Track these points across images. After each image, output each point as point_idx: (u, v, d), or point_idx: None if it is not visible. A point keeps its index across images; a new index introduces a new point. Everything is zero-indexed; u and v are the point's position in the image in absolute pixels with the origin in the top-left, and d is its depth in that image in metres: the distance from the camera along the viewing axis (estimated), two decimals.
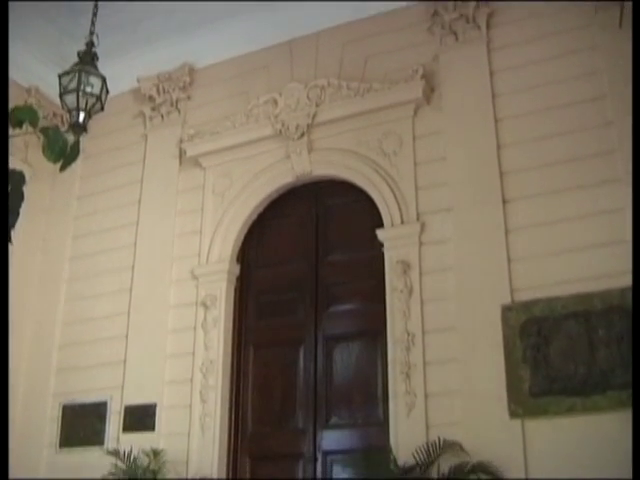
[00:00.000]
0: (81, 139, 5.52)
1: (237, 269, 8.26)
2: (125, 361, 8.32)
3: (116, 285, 8.72)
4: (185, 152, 8.78)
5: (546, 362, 6.43)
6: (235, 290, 8.23)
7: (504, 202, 7.01)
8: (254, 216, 8.37)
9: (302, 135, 8.10)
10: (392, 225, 7.45)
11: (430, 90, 7.70)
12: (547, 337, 6.48)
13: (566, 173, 6.85)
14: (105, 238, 9.03)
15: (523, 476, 6.25)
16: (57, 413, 8.56)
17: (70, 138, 4.65)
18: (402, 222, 7.40)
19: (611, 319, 6.31)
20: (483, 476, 6.19)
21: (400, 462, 6.41)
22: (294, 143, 8.12)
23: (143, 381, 8.12)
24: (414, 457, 6.38)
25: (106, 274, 8.85)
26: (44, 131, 4.26)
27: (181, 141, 8.88)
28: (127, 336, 8.41)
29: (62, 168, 4.56)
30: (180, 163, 8.87)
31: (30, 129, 4.21)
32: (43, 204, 9.34)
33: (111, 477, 7.30)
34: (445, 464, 6.32)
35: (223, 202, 8.43)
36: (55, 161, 4.37)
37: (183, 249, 8.49)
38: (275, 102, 8.39)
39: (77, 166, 8.70)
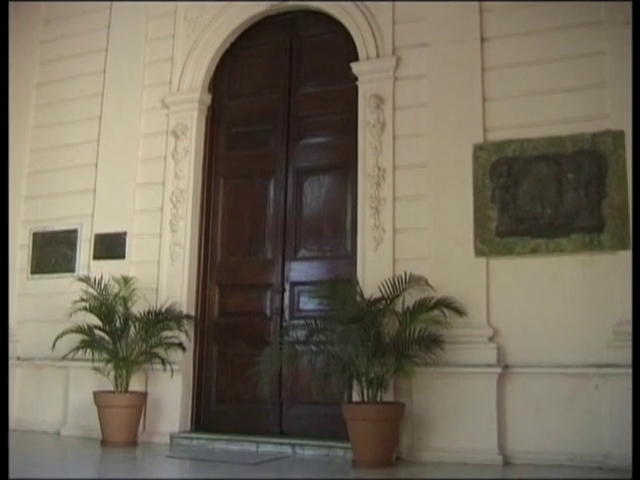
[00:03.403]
0: None
1: (209, 98, 8.12)
2: (95, 189, 8.30)
3: (85, 113, 8.56)
4: None
5: (514, 203, 6.49)
6: (206, 120, 8.13)
7: (482, 40, 6.85)
8: (227, 45, 8.14)
9: None
10: (367, 58, 7.29)
11: None
12: (517, 178, 6.52)
13: (547, 13, 6.66)
14: (73, 64, 8.78)
15: (485, 312, 6.44)
16: (28, 240, 8.63)
17: None
18: (377, 56, 7.24)
19: (581, 163, 6.33)
20: (446, 310, 6.36)
21: (366, 294, 6.54)
22: None
23: (113, 210, 8.13)
24: (380, 290, 6.49)
25: (75, 101, 8.67)
26: None
27: None
28: (97, 164, 8.35)
29: None
30: None
31: None
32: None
33: (82, 303, 7.41)
34: (410, 298, 6.46)
35: (195, 29, 8.17)
36: None
37: (154, 77, 8.30)
38: None
39: None
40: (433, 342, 6.30)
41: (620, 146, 6.19)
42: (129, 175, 8.14)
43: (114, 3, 8.68)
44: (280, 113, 7.83)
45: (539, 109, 6.54)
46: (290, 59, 7.88)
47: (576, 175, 6.33)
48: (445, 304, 6.37)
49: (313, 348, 6.51)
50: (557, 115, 6.48)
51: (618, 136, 6.21)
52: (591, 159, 6.29)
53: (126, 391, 7.24)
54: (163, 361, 7.25)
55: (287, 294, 7.47)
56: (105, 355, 7.27)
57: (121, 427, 7.07)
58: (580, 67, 6.48)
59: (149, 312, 7.37)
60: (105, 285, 7.51)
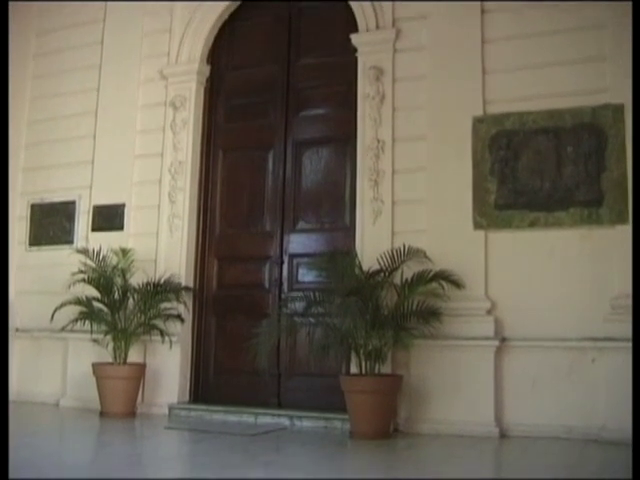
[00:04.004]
0: None
1: (207, 70, 8.07)
2: (93, 161, 8.28)
3: (83, 84, 8.52)
4: None
5: (513, 176, 6.48)
6: (205, 91, 8.09)
7: (482, 12, 6.80)
8: (225, 16, 8.07)
9: None
10: (367, 30, 7.24)
11: None
12: (516, 151, 6.50)
13: None
14: (71, 35, 8.72)
15: (483, 285, 6.46)
16: (26, 212, 8.64)
17: None
18: (377, 27, 7.19)
19: (580, 136, 6.32)
20: (444, 283, 6.37)
21: (365, 266, 6.54)
22: None
23: (111, 181, 8.12)
24: (378, 262, 6.50)
25: (73, 72, 8.62)
26: None
27: None
28: (95, 136, 8.32)
29: None
30: None
31: None
32: None
33: (81, 275, 7.41)
34: (408, 270, 6.47)
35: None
36: None
37: (152, 48, 8.23)
38: None
39: None
40: (431, 315, 6.32)
41: (620, 119, 6.17)
42: (127, 147, 8.11)
43: None
44: (279, 85, 7.79)
45: (539, 82, 6.51)
46: (289, 30, 7.83)
47: (575, 148, 6.32)
48: (443, 277, 6.38)
49: (311, 320, 6.54)
50: (557, 88, 6.45)
51: (618, 109, 6.19)
52: (591, 132, 6.28)
53: (125, 363, 7.27)
54: (162, 333, 7.28)
55: (286, 266, 7.47)
56: (104, 327, 7.29)
57: (120, 398, 7.11)
58: (581, 40, 6.45)
59: (148, 284, 7.39)
60: (103, 257, 7.52)
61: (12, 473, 4.06)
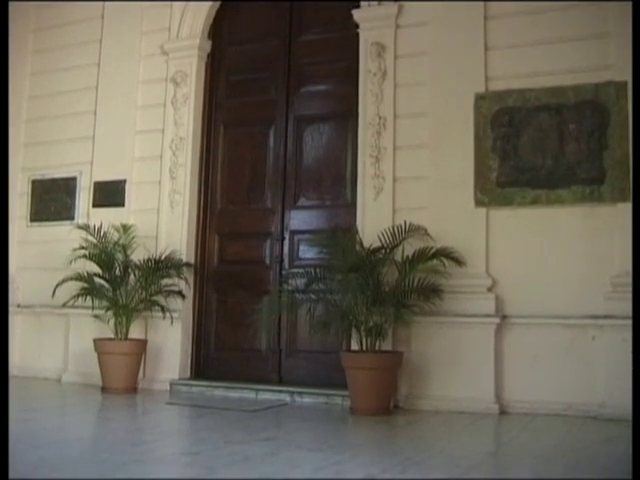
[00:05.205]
0: None
1: (208, 45, 8.03)
2: (94, 137, 8.26)
3: (84, 59, 8.48)
4: None
5: (515, 153, 6.47)
6: (206, 67, 8.05)
7: None
8: None
9: None
10: (369, 5, 7.19)
11: None
12: (518, 128, 6.48)
13: None
14: (71, 10, 8.66)
15: (484, 262, 6.46)
16: (27, 188, 8.63)
17: None
18: (379, 3, 7.14)
19: (583, 114, 6.29)
20: (445, 260, 6.37)
21: (366, 243, 6.54)
22: None
23: (112, 157, 8.11)
24: (379, 239, 6.50)
25: (73, 47, 8.58)
26: None
27: None
28: (96, 112, 8.30)
29: None
30: None
31: None
32: None
33: (82, 250, 7.41)
34: (410, 247, 6.46)
35: None
36: None
37: (152, 23, 8.18)
38: None
39: None
40: (432, 292, 6.32)
41: (623, 97, 6.14)
42: (128, 122, 8.09)
43: None
44: (281, 60, 7.75)
45: (542, 59, 6.47)
46: (291, 5, 7.77)
47: (578, 126, 6.29)
48: (444, 254, 6.38)
49: (312, 297, 6.51)
50: (560, 65, 6.41)
51: (621, 87, 6.15)
52: (593, 110, 6.25)
53: (126, 338, 7.29)
54: (163, 309, 7.29)
55: (287, 243, 7.47)
56: (105, 303, 7.30)
57: (121, 374, 7.13)
58: (584, 17, 6.40)
59: (149, 260, 7.39)
60: (105, 233, 7.52)
61: (13, 447, 4.08)
